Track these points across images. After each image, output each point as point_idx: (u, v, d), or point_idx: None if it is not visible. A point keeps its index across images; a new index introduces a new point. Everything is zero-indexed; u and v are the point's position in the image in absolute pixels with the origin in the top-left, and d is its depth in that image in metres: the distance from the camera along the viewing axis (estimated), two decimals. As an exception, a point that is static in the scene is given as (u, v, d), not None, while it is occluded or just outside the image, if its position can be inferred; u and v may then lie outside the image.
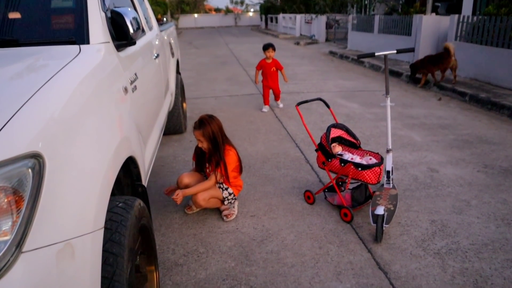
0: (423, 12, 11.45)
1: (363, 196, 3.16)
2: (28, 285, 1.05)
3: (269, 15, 34.49)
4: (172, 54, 4.86)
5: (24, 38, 2.02)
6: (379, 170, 2.94)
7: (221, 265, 2.61)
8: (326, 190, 3.28)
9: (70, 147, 1.34)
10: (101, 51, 2.01)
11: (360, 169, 2.93)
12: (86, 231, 1.28)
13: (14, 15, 2.12)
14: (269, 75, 6.38)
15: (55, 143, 1.27)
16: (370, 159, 3.09)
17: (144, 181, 2.39)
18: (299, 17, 23.38)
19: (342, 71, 10.50)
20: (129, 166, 2.15)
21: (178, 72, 5.49)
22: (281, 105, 6.64)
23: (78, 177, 1.33)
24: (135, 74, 2.42)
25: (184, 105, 5.75)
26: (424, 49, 9.86)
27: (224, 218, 3.12)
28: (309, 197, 3.34)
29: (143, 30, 3.37)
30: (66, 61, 1.66)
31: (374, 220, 2.77)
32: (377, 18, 12.77)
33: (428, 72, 7.84)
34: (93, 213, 1.35)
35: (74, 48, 1.88)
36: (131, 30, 2.22)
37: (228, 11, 55.69)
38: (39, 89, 1.37)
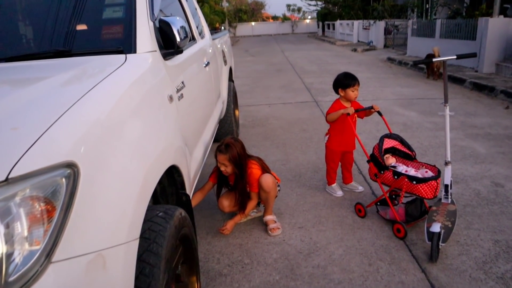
0: (490, 14, 10.82)
1: (418, 211, 2.97)
2: (58, 295, 1.04)
3: (326, 22, 34.18)
4: (225, 61, 4.89)
5: (76, 48, 2.08)
6: (435, 184, 2.75)
7: (265, 277, 2.54)
8: (378, 203, 3.13)
9: (108, 156, 1.34)
10: (147, 60, 2.03)
11: (414, 182, 2.76)
12: (119, 242, 1.26)
13: (68, 26, 2.19)
14: (344, 128, 3.41)
15: (93, 152, 1.27)
16: (426, 172, 2.91)
17: (189, 190, 2.38)
18: (356, 23, 22.95)
19: (401, 78, 10.13)
20: (173, 175, 2.15)
21: (231, 79, 5.52)
22: (360, 188, 3.70)
23: (114, 187, 1.32)
24: (182, 83, 2.42)
25: (237, 112, 5.76)
26: (490, 54, 9.30)
27: (270, 232, 3.05)
28: (360, 210, 3.20)
29: (193, 39, 3.41)
30: (110, 70, 1.68)
31: (429, 238, 2.59)
32: (438, 22, 12.24)
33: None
34: (127, 224, 1.33)
35: (120, 57, 1.90)
36: (178, 39, 2.23)
37: (285, 18, 55.93)
38: (80, 98, 1.38)
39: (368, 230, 3.01)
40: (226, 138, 3.02)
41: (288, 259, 2.72)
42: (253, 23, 49.86)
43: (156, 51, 2.16)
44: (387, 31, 18.61)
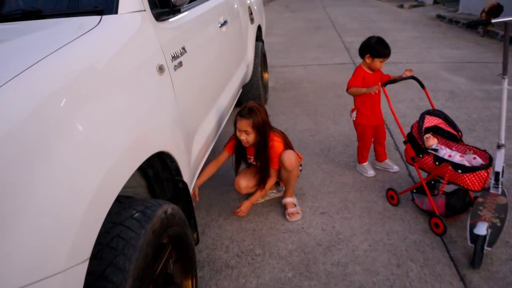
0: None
1: (461, 203, 2.55)
2: None
3: (373, -25, 32.14)
4: (251, 20, 4.43)
5: (49, 8, 1.73)
6: (485, 174, 2.30)
7: (276, 273, 2.24)
8: (415, 191, 2.71)
9: (42, 155, 1.02)
10: (129, 22, 1.66)
11: (460, 171, 2.33)
12: (53, 272, 0.96)
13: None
14: (373, 99, 3.06)
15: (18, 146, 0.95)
16: (474, 158, 2.45)
17: (189, 175, 2.07)
18: (405, -24, 21.34)
19: (450, 38, 9.24)
20: (165, 160, 1.83)
21: (260, 39, 5.06)
22: (395, 168, 3.28)
23: (49, 195, 1.00)
24: (183, 48, 2.05)
25: (265, 75, 5.34)
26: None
27: (287, 217, 2.72)
28: (392, 197, 2.80)
29: (207, -6, 2.99)
30: (68, 39, 1.33)
31: (472, 240, 2.18)
32: (498, -25, 11.02)
33: None
34: (69, 243, 1.02)
35: (93, 20, 1.54)
36: (172, -6, 1.84)
37: (329, -29, 53.25)
38: (12, 79, 1.05)
39: (400, 221, 2.62)
40: (249, 102, 2.64)
41: (305, 252, 2.39)
42: (295, -24, 47.77)
43: (144, 10, 1.78)
44: (438, -14, 17.16)
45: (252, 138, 2.59)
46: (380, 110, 3.15)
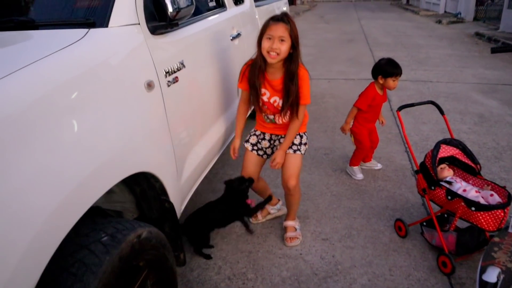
0: None
1: (474, 241, 2.34)
2: None
3: (413, -11, 31.58)
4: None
5: (43, 18, 1.68)
6: (502, 214, 2.11)
7: (265, 304, 2.11)
8: (425, 224, 2.53)
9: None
10: (118, 36, 1.59)
11: (473, 209, 2.14)
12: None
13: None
14: (375, 113, 3.32)
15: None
16: (492, 195, 2.26)
17: (178, 196, 1.97)
18: (445, -9, 20.84)
19: (487, 57, 8.87)
20: (150, 179, 1.74)
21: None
22: (379, 165, 3.59)
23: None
24: (181, 63, 1.96)
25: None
26: None
27: (286, 242, 2.57)
28: (400, 228, 2.62)
29: (223, 5, 2.91)
30: (42, 54, 1.26)
31: (480, 286, 1.99)
32: (543, -5, 10.56)
33: None
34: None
35: (77, 33, 1.47)
36: (170, 9, 1.76)
37: (369, -17, 52.78)
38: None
39: (406, 255, 2.45)
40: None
41: (299, 281, 2.25)
42: (333, -13, 47.49)
43: (138, 24, 1.70)
44: (479, 2, 16.64)
45: (285, 50, 2.12)
46: (377, 116, 3.34)
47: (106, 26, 1.59)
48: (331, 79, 6.92)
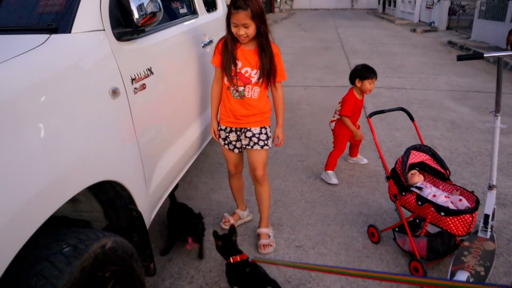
0: None
1: (445, 246, 2.37)
2: None
3: (388, -2, 32.20)
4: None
5: (3, 23, 1.64)
6: (470, 218, 2.14)
7: (237, 313, 2.08)
8: (397, 229, 2.54)
9: None
10: (80, 42, 1.56)
11: (443, 214, 2.17)
12: None
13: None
14: (356, 117, 3.51)
15: None
16: (460, 200, 2.29)
17: (146, 205, 1.93)
18: (419, 1, 21.29)
19: (459, 65, 9.08)
20: (116, 188, 1.71)
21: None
22: (365, 160, 3.88)
23: None
24: (149, 70, 1.94)
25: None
26: None
27: (259, 249, 2.56)
28: (373, 234, 2.63)
29: (194, 12, 2.90)
30: (4, 58, 1.22)
31: (451, 290, 2.01)
32: (511, 4, 10.88)
33: None
34: None
35: (38, 39, 1.44)
36: (136, 15, 1.74)
37: (346, -8, 53.57)
38: None
39: (379, 261, 2.46)
40: None
41: (272, 290, 2.23)
42: (311, -4, 48.05)
43: (103, 30, 1.67)
44: (451, 11, 17.07)
45: (252, 31, 2.20)
46: (356, 121, 3.53)
47: (69, 31, 1.55)
48: (307, 86, 6.97)
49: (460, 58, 2.41)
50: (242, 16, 2.14)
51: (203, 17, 3.01)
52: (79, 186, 1.39)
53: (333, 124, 3.52)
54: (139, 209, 1.83)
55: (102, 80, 1.59)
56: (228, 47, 2.29)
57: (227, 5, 2.24)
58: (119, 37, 1.76)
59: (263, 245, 2.56)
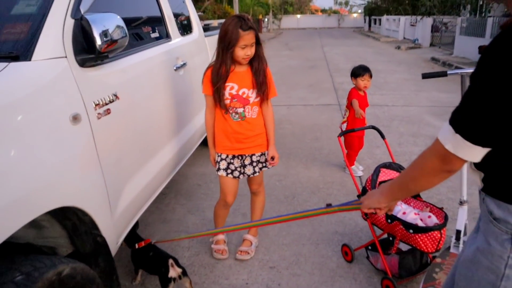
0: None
1: (417, 263, 2.37)
2: None
3: (373, 17, 32.80)
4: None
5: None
6: (439, 235, 2.15)
7: (207, 338, 2.06)
8: (370, 248, 2.54)
9: None
10: (40, 69, 1.57)
11: (411, 231, 2.17)
12: None
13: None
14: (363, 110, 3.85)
15: None
16: (430, 216, 2.30)
17: (112, 230, 1.92)
18: (403, 19, 21.74)
19: (441, 81, 9.17)
20: (78, 214, 1.70)
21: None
22: (361, 170, 4.06)
23: None
24: (114, 95, 1.95)
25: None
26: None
27: (237, 254, 2.66)
28: (346, 253, 2.63)
29: (167, 36, 2.94)
30: None
31: (420, 309, 2.01)
32: (490, 20, 11.14)
33: None
34: None
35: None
36: (99, 42, 1.75)
37: (334, 12, 54.53)
38: None
39: (352, 280, 2.45)
40: (239, 14, 2.39)
41: (244, 313, 2.21)
42: (298, 16, 48.82)
43: (65, 57, 1.69)
44: (434, 29, 17.43)
45: (254, 50, 2.30)
46: (363, 123, 3.84)
47: (29, 59, 1.57)
48: (290, 105, 7.02)
49: (424, 76, 2.46)
50: (252, 36, 2.23)
51: (176, 40, 3.04)
52: (35, 211, 1.39)
53: (345, 125, 3.90)
54: (103, 235, 1.82)
55: (62, 106, 1.59)
56: (220, 73, 2.30)
57: (224, 30, 2.25)
58: (82, 63, 1.77)
59: (241, 251, 2.65)
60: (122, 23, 1.90)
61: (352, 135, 3.81)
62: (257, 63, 2.36)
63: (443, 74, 2.39)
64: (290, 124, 5.84)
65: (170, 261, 2.18)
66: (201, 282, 2.46)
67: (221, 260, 2.66)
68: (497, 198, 1.07)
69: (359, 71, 3.79)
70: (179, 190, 3.73)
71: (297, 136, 5.27)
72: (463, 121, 1.00)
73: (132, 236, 2.36)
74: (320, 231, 2.98)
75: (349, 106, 3.85)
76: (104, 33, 1.80)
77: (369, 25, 34.48)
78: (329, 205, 1.90)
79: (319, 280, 2.45)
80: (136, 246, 2.30)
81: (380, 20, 29.29)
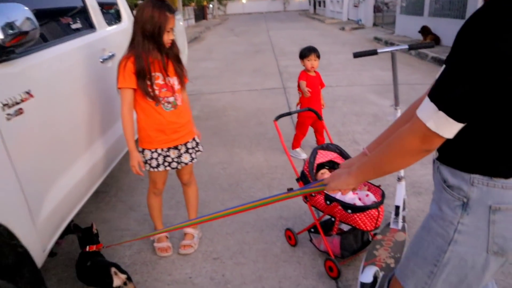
0: (481, -8, 10.11)
1: (358, 242, 2.39)
2: None
3: (318, -1, 33.13)
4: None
5: None
6: (376, 213, 2.17)
7: (148, 339, 1.98)
8: (312, 230, 2.54)
9: None
10: None
11: (350, 211, 2.18)
12: None
13: None
14: (312, 97, 3.87)
15: None
16: (367, 195, 2.32)
17: (35, 238, 1.79)
18: (346, 0, 22.08)
19: (383, 59, 9.35)
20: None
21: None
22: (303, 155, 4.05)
23: None
24: (27, 93, 1.79)
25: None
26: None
27: (180, 249, 2.58)
28: (290, 237, 2.62)
29: (91, 26, 2.77)
30: None
31: (361, 287, 2.02)
32: (428, -1, 11.50)
33: None
34: None
35: None
36: (1, 36, 1.60)
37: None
38: None
39: (297, 264, 2.44)
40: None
41: (187, 308, 2.15)
42: (244, 1, 48.48)
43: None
44: (376, 9, 17.82)
45: (173, 36, 2.24)
46: (319, 107, 3.92)
47: None
48: (235, 91, 6.94)
49: (356, 55, 2.46)
50: (174, 19, 2.18)
51: (102, 31, 2.87)
52: None
53: (298, 107, 3.99)
54: (23, 245, 1.69)
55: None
56: (148, 63, 2.18)
57: (147, 16, 2.11)
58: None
59: (184, 245, 2.58)
60: (30, 14, 1.73)
61: (304, 115, 3.85)
62: (175, 49, 2.28)
63: (374, 53, 2.41)
64: (234, 111, 5.77)
65: (113, 269, 2.03)
66: (143, 281, 2.37)
67: (163, 257, 2.58)
68: (452, 167, 1.11)
69: (305, 52, 3.85)
70: (121, 186, 3.59)
71: (241, 122, 5.22)
72: (448, 99, 0.97)
73: (88, 237, 2.26)
74: (264, 217, 2.95)
75: (299, 87, 3.93)
76: (9, 26, 1.64)
77: (314, 8, 34.81)
78: (290, 190, 1.87)
79: (263, 267, 2.42)
80: (87, 248, 2.19)
81: (324, 2, 29.61)
